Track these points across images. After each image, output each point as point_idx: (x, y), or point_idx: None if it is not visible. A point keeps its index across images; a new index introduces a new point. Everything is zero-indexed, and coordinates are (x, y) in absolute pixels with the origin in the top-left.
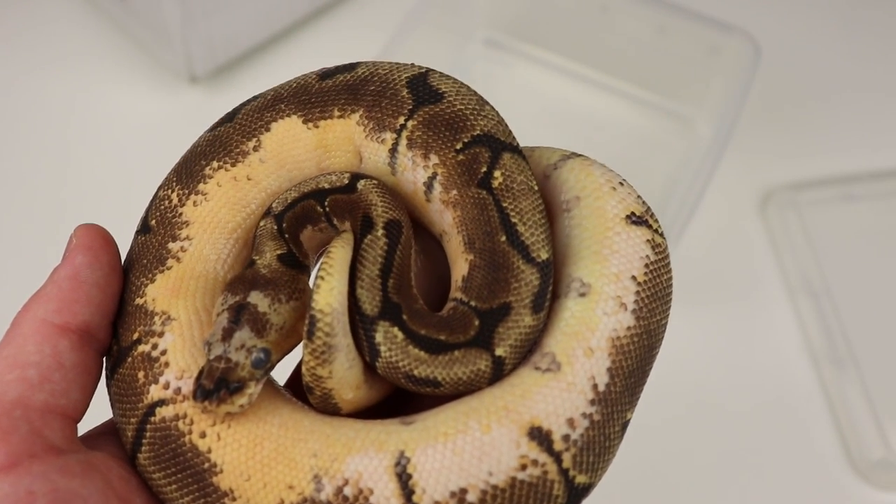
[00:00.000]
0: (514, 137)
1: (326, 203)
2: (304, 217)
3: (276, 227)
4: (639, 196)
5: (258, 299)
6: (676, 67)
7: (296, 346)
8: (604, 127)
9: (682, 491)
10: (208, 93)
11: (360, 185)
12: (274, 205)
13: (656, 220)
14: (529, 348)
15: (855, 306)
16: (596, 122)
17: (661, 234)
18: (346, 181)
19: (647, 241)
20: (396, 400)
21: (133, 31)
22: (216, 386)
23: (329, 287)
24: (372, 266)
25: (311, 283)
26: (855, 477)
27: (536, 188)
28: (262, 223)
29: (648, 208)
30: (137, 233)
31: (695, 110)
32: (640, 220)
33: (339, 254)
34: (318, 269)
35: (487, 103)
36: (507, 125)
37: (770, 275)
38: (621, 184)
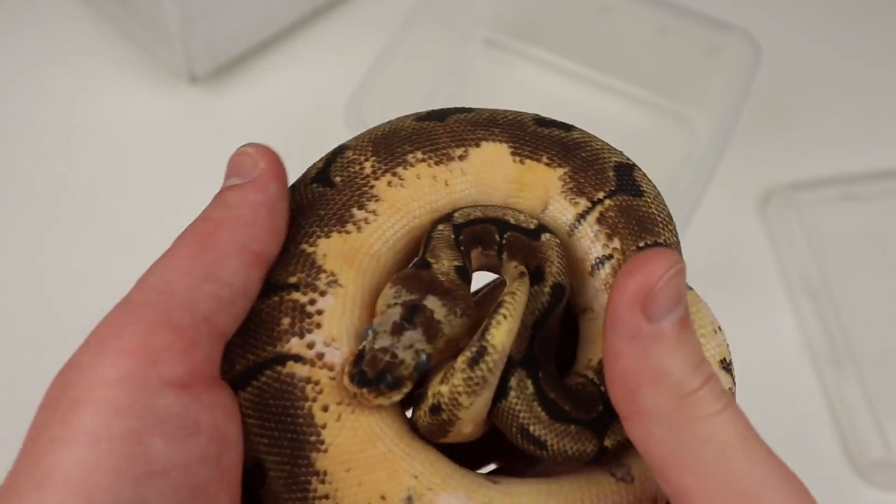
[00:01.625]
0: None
1: (506, 236)
2: (479, 237)
3: (452, 237)
4: (728, 344)
5: (435, 305)
6: (676, 67)
7: (444, 358)
8: (604, 127)
9: None
10: (208, 93)
11: (545, 237)
12: (456, 214)
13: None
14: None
15: (855, 306)
16: (596, 122)
17: (735, 384)
18: (532, 226)
19: (730, 388)
20: (462, 446)
21: (132, 31)
22: (377, 377)
23: (508, 328)
24: (529, 316)
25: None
26: (855, 476)
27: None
28: (440, 227)
29: (731, 357)
30: (311, 180)
31: (695, 110)
32: (728, 367)
33: (522, 299)
34: (502, 306)
35: (673, 220)
36: (680, 247)
37: (770, 274)
38: (720, 328)
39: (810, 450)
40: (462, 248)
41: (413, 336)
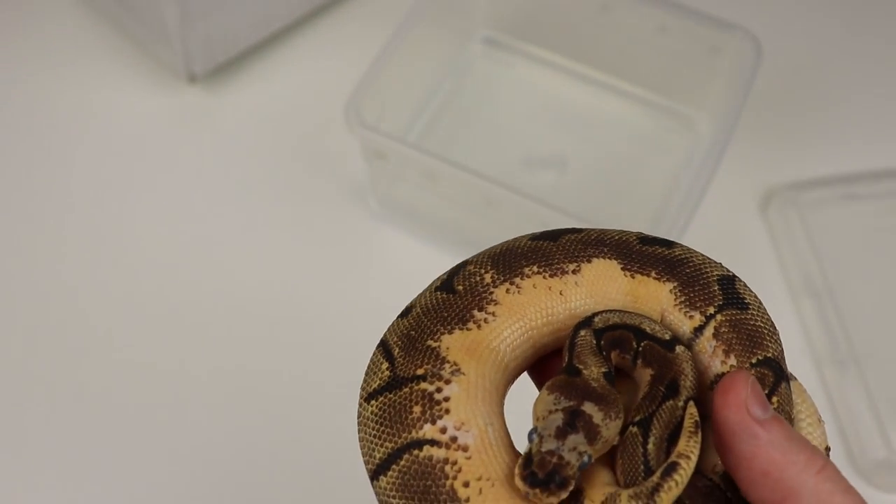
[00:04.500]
0: (786, 366)
1: (642, 344)
2: (618, 342)
3: (594, 342)
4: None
5: (593, 410)
6: (677, 66)
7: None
8: (604, 126)
9: None
10: (207, 92)
11: (679, 349)
12: (596, 319)
13: None
14: None
15: (857, 306)
16: (596, 122)
17: None
18: (667, 337)
19: None
20: None
21: (131, 30)
22: (546, 477)
23: (676, 494)
24: (665, 429)
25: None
26: (857, 478)
27: (793, 418)
28: (582, 333)
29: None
30: (436, 289)
31: (696, 109)
32: (829, 453)
33: (693, 463)
34: (675, 470)
35: (776, 328)
36: (784, 353)
37: (771, 274)
38: (822, 419)
39: None
40: (603, 352)
41: (576, 439)
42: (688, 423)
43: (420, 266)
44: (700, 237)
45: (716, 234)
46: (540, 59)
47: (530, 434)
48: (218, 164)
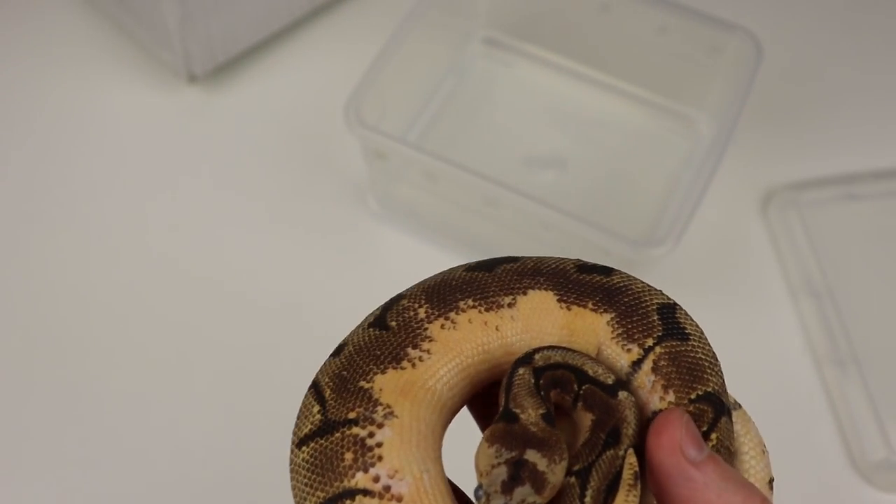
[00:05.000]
0: (727, 396)
1: (583, 388)
2: (558, 382)
3: (533, 381)
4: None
5: (536, 458)
6: (677, 66)
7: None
8: (604, 126)
9: None
10: (207, 92)
11: (622, 395)
12: (536, 357)
13: None
14: None
15: (857, 306)
16: (596, 122)
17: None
18: (610, 381)
19: None
20: None
21: (131, 30)
22: None
23: None
24: (603, 480)
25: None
26: (857, 478)
27: (734, 452)
28: (520, 371)
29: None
30: (369, 325)
31: (696, 110)
32: (771, 485)
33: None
34: (629, 480)
35: (717, 359)
36: (725, 386)
37: (771, 275)
38: (766, 449)
39: (812, 451)
40: (542, 392)
41: (523, 491)
42: (626, 475)
43: (420, 266)
44: (700, 237)
45: (716, 235)
46: (540, 59)
47: (476, 491)
48: (217, 164)
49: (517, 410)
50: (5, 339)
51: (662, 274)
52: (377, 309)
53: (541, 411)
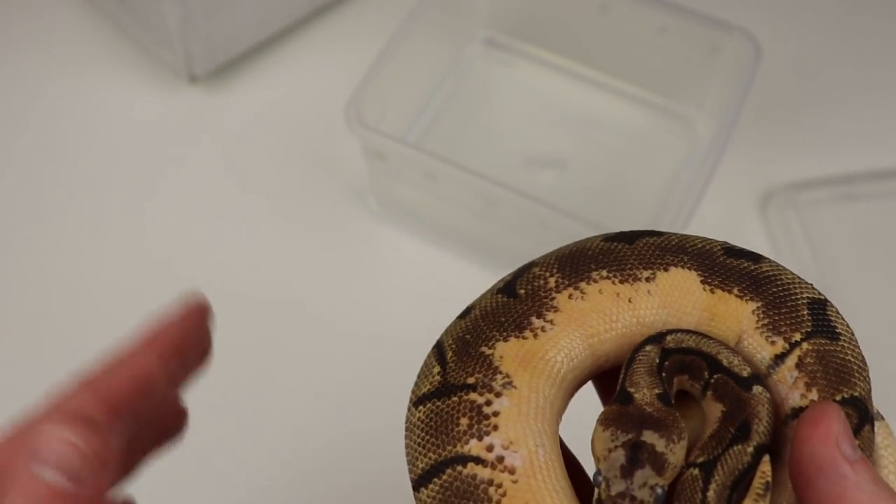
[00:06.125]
0: (872, 405)
1: (715, 377)
2: (687, 367)
3: (657, 361)
4: None
5: (654, 439)
6: (677, 67)
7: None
8: (604, 127)
9: None
10: (208, 92)
11: (757, 389)
12: (668, 338)
13: None
14: None
15: (857, 306)
16: (596, 122)
17: None
18: (745, 374)
19: None
20: None
21: (131, 30)
22: None
23: None
24: (728, 476)
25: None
26: None
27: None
28: (647, 347)
29: None
30: (498, 291)
31: (695, 110)
32: None
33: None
34: (759, 489)
35: (866, 363)
36: (871, 393)
37: None
38: None
39: None
40: (664, 373)
41: (644, 474)
42: (757, 484)
43: (420, 266)
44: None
45: (715, 234)
46: (540, 59)
47: (595, 477)
48: (218, 164)
49: (632, 390)
50: (5, 339)
51: None
52: (508, 275)
53: (656, 391)
